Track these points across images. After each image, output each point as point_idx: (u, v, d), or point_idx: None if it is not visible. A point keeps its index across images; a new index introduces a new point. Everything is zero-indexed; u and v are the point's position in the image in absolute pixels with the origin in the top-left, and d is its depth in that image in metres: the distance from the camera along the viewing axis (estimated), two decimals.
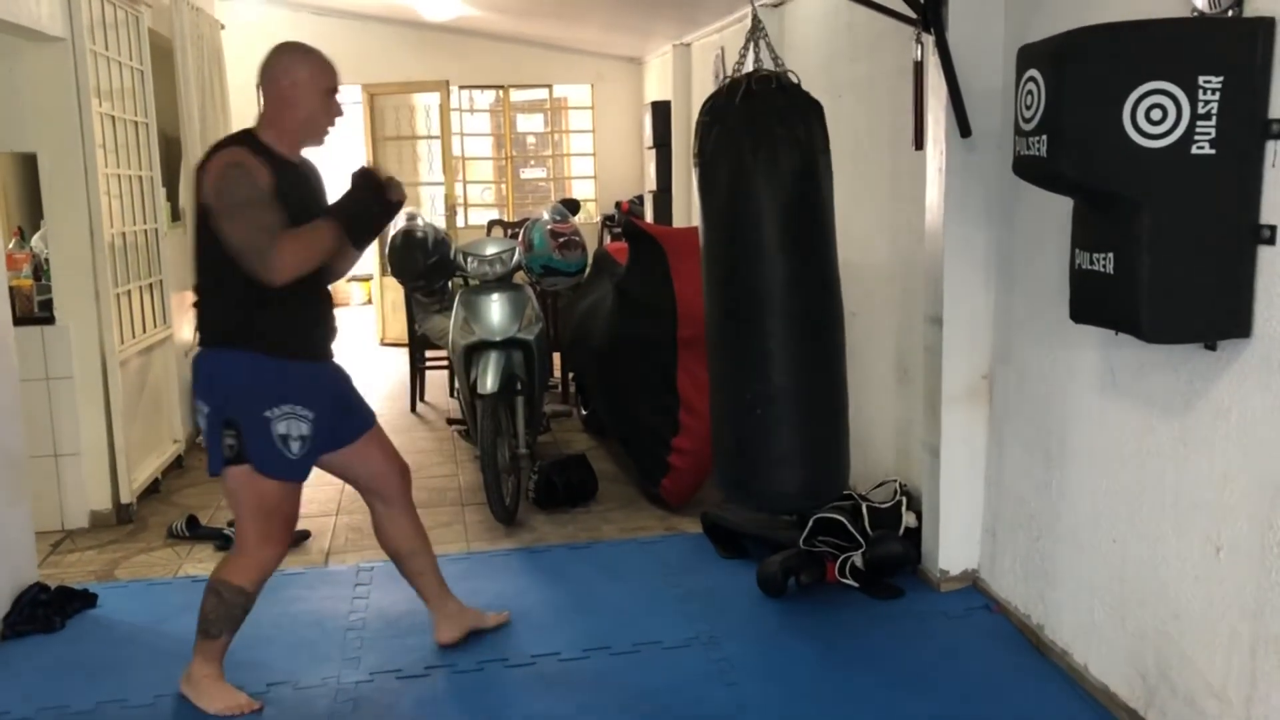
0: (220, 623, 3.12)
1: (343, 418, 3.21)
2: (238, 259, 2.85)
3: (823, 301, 3.34)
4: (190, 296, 3.11)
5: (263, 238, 2.83)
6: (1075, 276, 2.68)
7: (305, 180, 3.08)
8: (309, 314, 3.08)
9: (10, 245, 5.07)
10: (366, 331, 9.49)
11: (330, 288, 3.22)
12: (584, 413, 6.27)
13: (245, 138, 3.01)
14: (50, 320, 4.60)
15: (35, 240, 5.37)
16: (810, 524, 3.87)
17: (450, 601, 3.52)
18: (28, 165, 5.54)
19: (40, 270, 4.93)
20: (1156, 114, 2.34)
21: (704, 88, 7.33)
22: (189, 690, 3.17)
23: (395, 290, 8.71)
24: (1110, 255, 2.53)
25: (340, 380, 3.24)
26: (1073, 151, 2.47)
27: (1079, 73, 2.41)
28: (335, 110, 3.06)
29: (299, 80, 2.98)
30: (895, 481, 4.14)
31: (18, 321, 4.04)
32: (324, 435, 3.10)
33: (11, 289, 4.13)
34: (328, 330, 3.16)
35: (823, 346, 3.34)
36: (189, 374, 3.17)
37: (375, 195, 3.03)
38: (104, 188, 4.65)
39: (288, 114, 2.99)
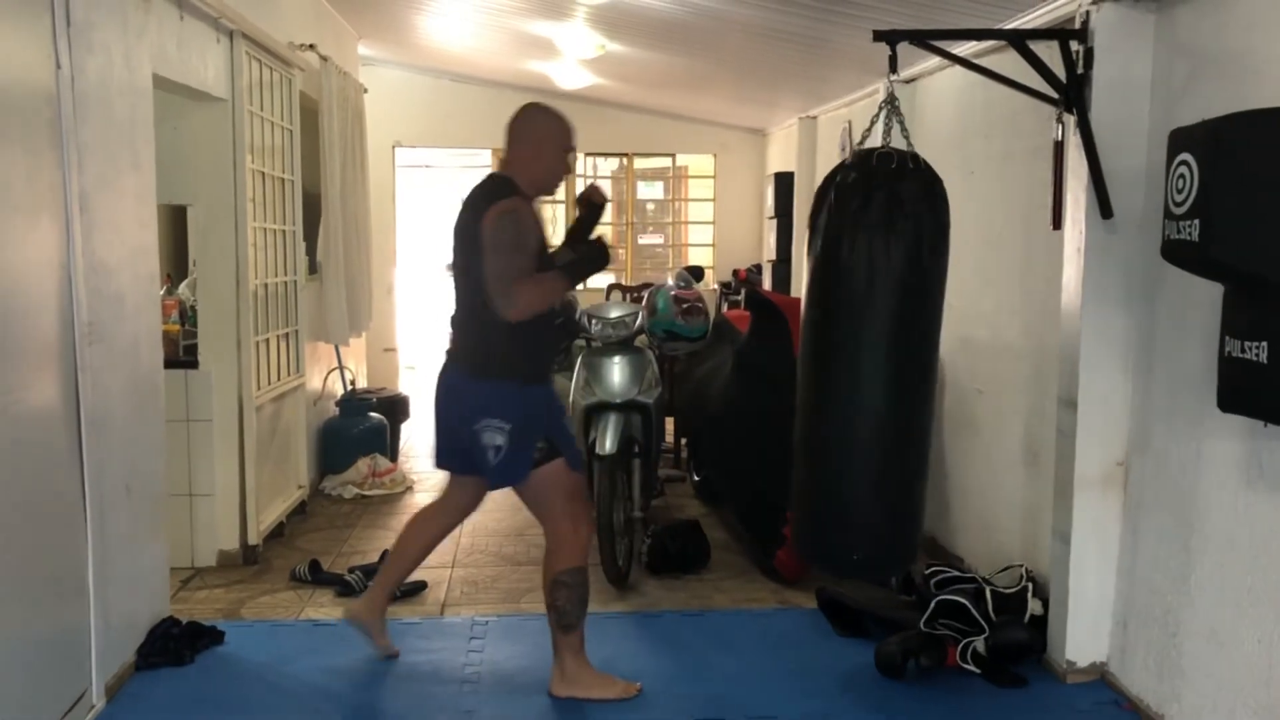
0: (575, 610, 3.49)
1: None
2: (487, 290, 3.26)
3: (918, 383, 3.39)
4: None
5: (509, 278, 3.24)
6: (1224, 364, 2.62)
7: (540, 221, 3.47)
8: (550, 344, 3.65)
9: (160, 292, 5.33)
10: None
11: None
12: (696, 479, 6.27)
13: (513, 186, 3.39)
14: (194, 365, 4.81)
15: (182, 288, 5.64)
16: (932, 606, 3.78)
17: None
18: (175, 216, 5.85)
19: (185, 316, 5.16)
20: None
21: (829, 160, 7.36)
22: (573, 689, 3.50)
23: None
24: (1264, 344, 2.46)
25: None
26: (1227, 237, 2.43)
27: (1237, 158, 2.37)
28: (568, 168, 3.51)
29: (545, 137, 3.43)
30: (1021, 566, 4.02)
31: (164, 365, 4.22)
32: None
33: None
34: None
35: (912, 421, 3.39)
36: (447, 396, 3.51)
37: (601, 260, 3.55)
38: (251, 240, 4.87)
39: (534, 165, 3.43)
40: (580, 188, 8.69)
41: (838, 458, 3.42)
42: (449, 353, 3.52)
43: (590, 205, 3.71)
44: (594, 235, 3.66)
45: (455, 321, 3.52)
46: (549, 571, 3.50)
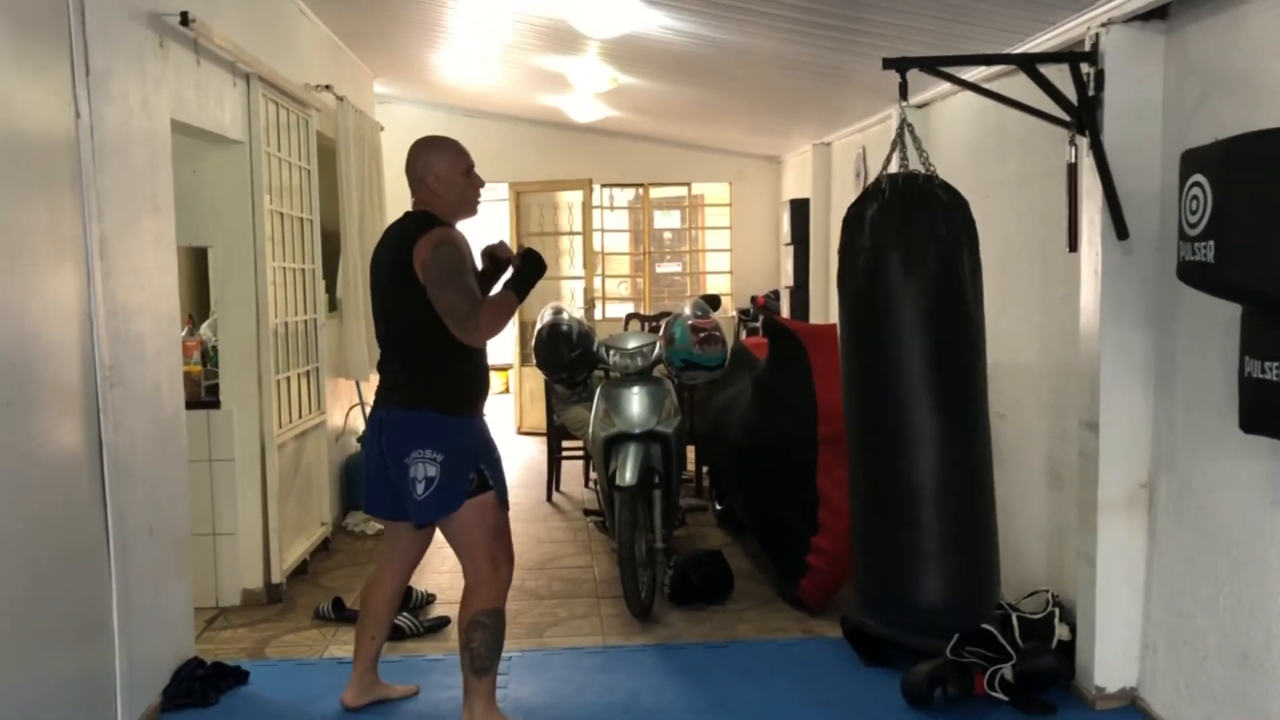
0: (490, 653, 3.40)
1: None
2: (445, 320, 3.24)
3: (968, 411, 3.23)
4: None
5: (470, 302, 3.24)
6: (1245, 385, 2.59)
7: (469, 247, 3.45)
8: (482, 378, 3.52)
9: (182, 333, 5.37)
10: (504, 420, 9.67)
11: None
12: (719, 508, 6.25)
13: (433, 219, 3.38)
14: (216, 405, 4.84)
15: (203, 329, 5.68)
16: (958, 633, 3.74)
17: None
18: (197, 258, 5.90)
19: (207, 357, 5.20)
20: None
21: (844, 185, 7.38)
22: None
23: (533, 380, 8.92)
24: None
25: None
26: (1242, 258, 2.41)
27: (1249, 178, 2.36)
28: (477, 184, 3.50)
29: (440, 172, 3.42)
30: (1047, 592, 3.99)
31: (186, 406, 4.25)
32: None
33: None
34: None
35: (969, 458, 3.21)
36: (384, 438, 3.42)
37: (539, 269, 3.50)
38: (270, 279, 4.91)
39: (444, 197, 3.43)
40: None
41: (905, 505, 3.17)
42: (379, 390, 3.48)
43: (494, 260, 3.60)
44: (525, 249, 3.58)
45: (383, 358, 3.48)
46: (466, 611, 3.39)
